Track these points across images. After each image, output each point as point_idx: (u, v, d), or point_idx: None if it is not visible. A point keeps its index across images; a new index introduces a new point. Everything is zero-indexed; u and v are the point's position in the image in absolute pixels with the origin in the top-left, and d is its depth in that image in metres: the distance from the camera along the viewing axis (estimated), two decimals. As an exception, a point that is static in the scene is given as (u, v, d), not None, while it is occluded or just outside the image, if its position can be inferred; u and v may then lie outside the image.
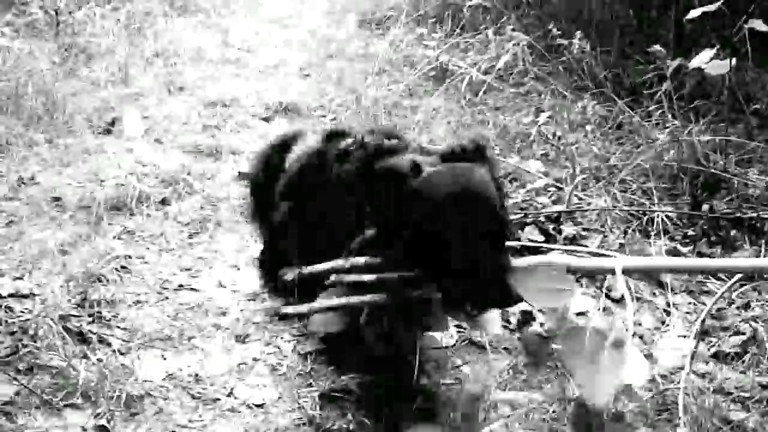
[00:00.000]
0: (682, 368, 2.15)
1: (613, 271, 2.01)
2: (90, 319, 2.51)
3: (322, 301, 2.12)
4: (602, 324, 1.77)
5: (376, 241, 2.06)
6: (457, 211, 1.92)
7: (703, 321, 2.10)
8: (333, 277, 2.09)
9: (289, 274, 2.17)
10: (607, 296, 2.79)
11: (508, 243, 2.06)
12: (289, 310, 2.11)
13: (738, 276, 2.34)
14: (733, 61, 3.45)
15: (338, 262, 2.11)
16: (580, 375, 1.71)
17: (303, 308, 2.15)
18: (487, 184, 1.97)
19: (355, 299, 2.08)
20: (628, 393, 1.77)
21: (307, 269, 2.17)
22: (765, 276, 2.74)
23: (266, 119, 4.48)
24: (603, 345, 1.71)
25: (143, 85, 4.78)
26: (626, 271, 2.06)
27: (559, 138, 4.06)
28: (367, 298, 2.07)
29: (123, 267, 2.84)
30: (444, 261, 1.93)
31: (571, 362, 1.74)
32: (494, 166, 2.11)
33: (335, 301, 2.10)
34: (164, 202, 3.36)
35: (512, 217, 3.12)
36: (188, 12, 6.58)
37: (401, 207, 1.99)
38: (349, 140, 2.37)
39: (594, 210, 3.33)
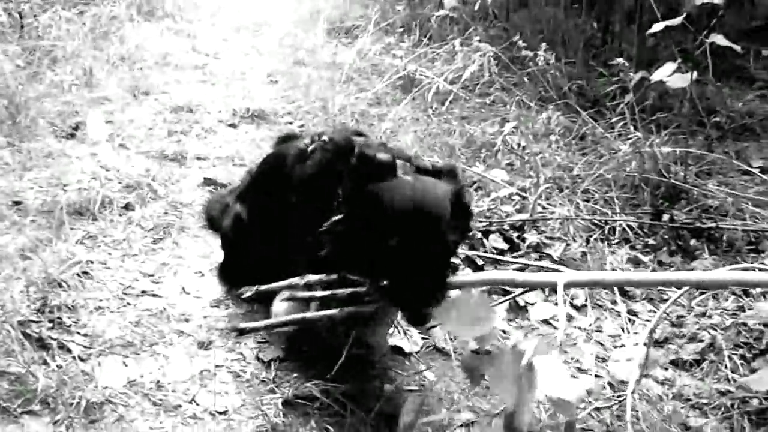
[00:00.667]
0: (639, 377, 2.18)
1: (555, 285, 2.07)
2: (50, 324, 2.46)
3: (279, 318, 2.18)
4: (525, 345, 1.83)
5: (345, 224, 2.08)
6: (405, 224, 1.96)
7: (652, 332, 2.15)
8: (287, 294, 2.14)
9: (246, 292, 2.18)
10: (571, 304, 2.84)
11: (449, 263, 2.10)
12: (247, 326, 2.12)
13: (684, 289, 2.41)
14: (694, 74, 3.52)
15: (294, 280, 2.15)
16: (502, 395, 1.78)
17: (260, 324, 2.17)
18: (442, 205, 2.00)
19: (310, 315, 2.13)
20: (563, 407, 1.81)
21: (264, 287, 2.18)
22: (709, 288, 2.80)
23: (233, 125, 4.46)
24: (520, 366, 1.77)
25: (108, 90, 4.73)
26: (569, 285, 2.13)
27: (524, 148, 4.10)
28: (320, 313, 2.12)
29: (85, 272, 2.80)
30: (383, 265, 2.00)
31: (494, 383, 1.80)
32: (464, 189, 2.15)
33: (291, 317, 2.15)
34: (128, 207, 3.33)
35: (474, 231, 3.15)
36: (155, 17, 6.53)
37: (365, 201, 2.03)
38: (307, 140, 2.40)
39: (557, 219, 3.37)
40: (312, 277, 2.14)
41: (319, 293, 2.12)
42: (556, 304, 2.80)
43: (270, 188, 2.57)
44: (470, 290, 2.15)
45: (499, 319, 2.62)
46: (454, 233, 2.06)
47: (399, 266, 1.97)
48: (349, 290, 2.09)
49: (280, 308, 2.39)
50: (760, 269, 2.36)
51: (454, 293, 2.07)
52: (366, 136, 2.44)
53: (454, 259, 2.18)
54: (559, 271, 2.30)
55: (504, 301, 2.64)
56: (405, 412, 2.07)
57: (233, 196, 2.92)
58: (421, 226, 1.97)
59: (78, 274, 2.77)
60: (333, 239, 2.11)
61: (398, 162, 2.12)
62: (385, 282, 2.03)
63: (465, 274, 2.51)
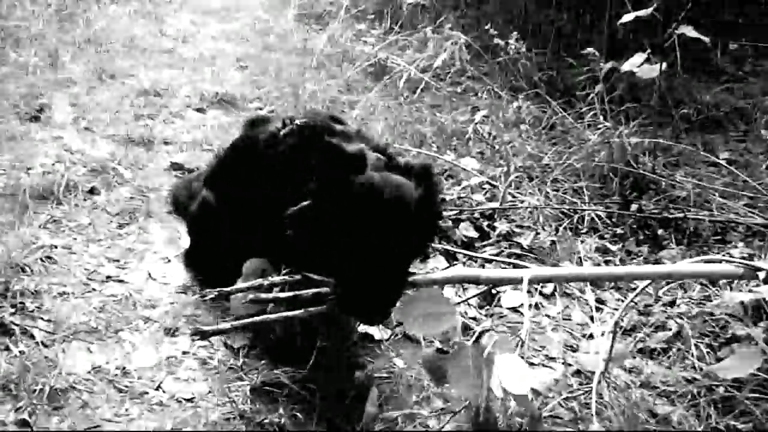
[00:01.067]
0: (604, 369, 2.20)
1: (520, 281, 2.09)
2: (12, 310, 2.41)
3: (242, 320, 2.14)
4: (485, 340, 1.84)
5: (313, 212, 2.06)
6: (362, 222, 1.95)
7: (616, 324, 2.16)
8: (251, 296, 2.11)
9: (210, 294, 2.17)
10: (540, 293, 2.85)
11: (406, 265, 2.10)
12: (209, 329, 2.10)
13: (645, 284, 2.46)
14: (663, 65, 3.54)
15: (257, 281, 2.16)
16: (463, 391, 1.79)
17: (224, 326, 2.14)
18: (403, 206, 1.98)
19: (273, 316, 2.11)
20: (522, 401, 1.83)
21: (226, 289, 2.17)
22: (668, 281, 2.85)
23: (201, 110, 4.40)
24: (480, 361, 1.79)
25: (73, 72, 4.64)
26: (533, 281, 2.18)
27: (495, 137, 4.10)
28: (284, 314, 2.10)
29: (48, 257, 2.75)
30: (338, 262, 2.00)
31: (456, 380, 1.83)
32: (434, 191, 2.13)
33: (254, 318, 2.12)
34: (93, 191, 3.27)
35: (444, 225, 3.15)
36: (122, -1, 6.43)
37: (327, 195, 2.01)
38: (279, 124, 2.37)
39: (527, 208, 3.38)
40: (275, 278, 2.15)
41: (282, 294, 2.11)
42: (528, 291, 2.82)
43: (240, 172, 2.54)
44: (430, 287, 2.14)
45: (471, 307, 2.62)
46: (415, 235, 2.04)
47: (352, 265, 1.97)
48: (312, 291, 2.09)
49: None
50: (713, 260, 2.39)
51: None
52: (343, 122, 2.42)
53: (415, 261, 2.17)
54: (525, 266, 2.34)
55: (470, 298, 2.65)
56: (368, 404, 2.07)
57: (201, 181, 2.88)
58: (377, 226, 1.95)
59: (42, 259, 2.72)
60: (297, 225, 2.08)
61: (371, 155, 2.11)
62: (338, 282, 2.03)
63: (429, 272, 2.51)
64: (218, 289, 2.16)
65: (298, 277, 2.12)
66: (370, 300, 1.97)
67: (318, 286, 2.10)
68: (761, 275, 2.16)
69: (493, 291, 2.71)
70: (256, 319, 2.13)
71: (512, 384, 1.75)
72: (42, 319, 2.43)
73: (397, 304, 1.98)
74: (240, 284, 2.21)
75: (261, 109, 4.48)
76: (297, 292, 2.10)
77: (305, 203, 2.06)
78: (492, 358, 1.80)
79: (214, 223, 2.64)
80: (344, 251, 1.98)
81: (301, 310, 2.09)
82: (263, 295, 2.14)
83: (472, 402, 1.88)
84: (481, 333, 2.36)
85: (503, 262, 2.78)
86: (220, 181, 2.68)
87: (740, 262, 2.23)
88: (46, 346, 2.30)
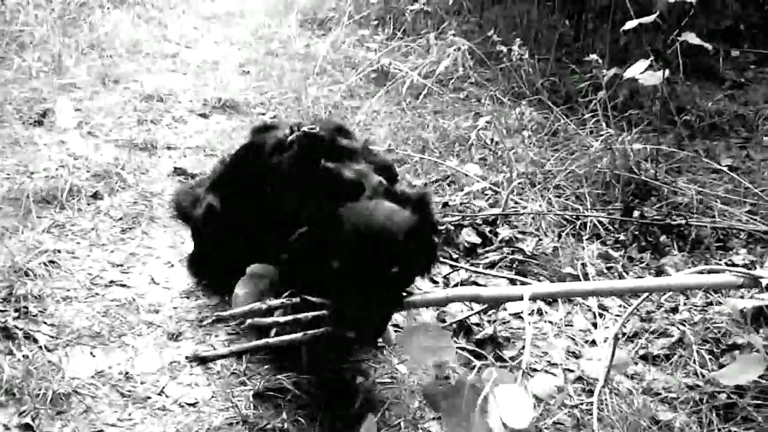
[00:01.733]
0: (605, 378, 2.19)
1: (521, 298, 2.10)
2: (16, 314, 2.42)
3: (242, 345, 2.18)
4: (486, 375, 1.84)
5: (309, 238, 2.08)
6: (351, 249, 1.99)
7: (616, 336, 2.16)
8: (249, 321, 2.12)
9: (207, 319, 2.19)
10: (543, 299, 2.84)
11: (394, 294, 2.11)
12: (208, 355, 2.12)
13: (645, 296, 2.46)
14: (666, 72, 3.54)
15: (256, 304, 2.15)
16: (452, 427, 1.80)
17: (223, 351, 2.17)
18: (393, 235, 2.01)
19: (273, 340, 2.11)
20: None
21: (227, 312, 2.19)
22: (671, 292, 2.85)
23: (204, 115, 4.41)
24: (475, 403, 1.78)
25: (77, 77, 4.66)
26: (534, 298, 2.19)
27: (497, 143, 4.11)
28: (284, 338, 2.11)
29: (52, 261, 2.76)
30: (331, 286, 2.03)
31: (448, 418, 1.81)
32: (429, 220, 2.16)
33: (255, 342, 2.14)
34: (96, 196, 3.28)
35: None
36: (125, 4, 6.44)
37: (321, 220, 2.05)
38: (287, 131, 2.38)
39: (529, 214, 3.38)
40: (274, 302, 2.16)
41: (282, 318, 2.12)
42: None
43: (246, 178, 2.55)
44: (430, 321, 2.28)
45: (472, 314, 2.62)
46: (407, 264, 2.07)
47: (343, 290, 1.99)
48: (311, 314, 2.09)
49: (240, 291, 2.39)
50: (716, 270, 2.38)
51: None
52: (350, 135, 2.41)
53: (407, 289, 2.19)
54: (526, 282, 2.34)
55: (476, 313, 2.64)
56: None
57: (205, 186, 2.89)
58: (366, 253, 1.98)
59: (45, 264, 2.72)
60: (296, 251, 2.11)
61: (374, 179, 2.16)
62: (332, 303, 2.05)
63: (428, 292, 2.53)
64: (216, 313, 2.21)
65: (297, 300, 2.14)
66: (360, 321, 1.99)
67: (317, 308, 2.12)
68: (763, 282, 2.16)
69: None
70: (257, 343, 2.15)
71: (512, 418, 1.75)
72: (45, 323, 2.43)
73: (393, 329, 1.99)
74: (237, 309, 2.22)
75: (264, 114, 4.49)
76: (296, 316, 2.11)
77: (302, 230, 2.09)
78: (491, 394, 1.80)
79: (219, 229, 2.64)
80: (337, 275, 2.00)
81: (301, 333, 2.09)
82: (263, 320, 2.15)
83: None
84: (481, 368, 2.39)
85: (504, 277, 2.79)
86: (226, 187, 2.69)
87: (741, 272, 2.23)
88: (49, 350, 2.31)
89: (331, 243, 2.02)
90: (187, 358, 2.36)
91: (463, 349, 2.50)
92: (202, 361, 2.12)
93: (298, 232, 2.09)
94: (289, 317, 2.10)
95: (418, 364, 2.38)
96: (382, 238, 2.00)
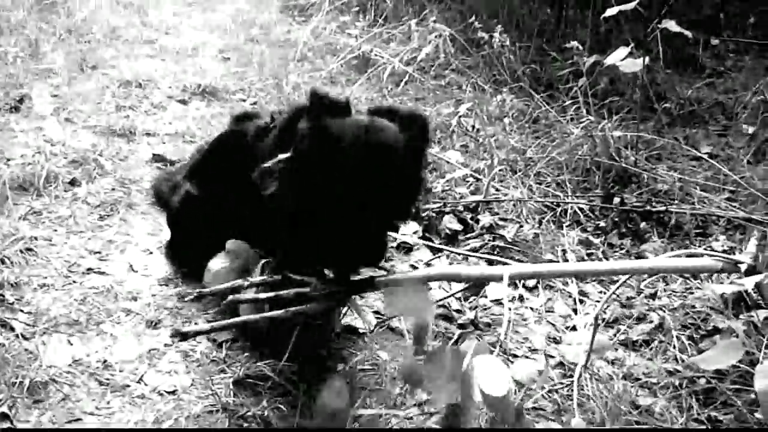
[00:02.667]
0: (585, 362, 2.20)
1: (501, 278, 2.10)
2: (-8, 302, 2.39)
3: (223, 321, 2.19)
4: (465, 345, 1.85)
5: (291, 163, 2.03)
6: (348, 162, 1.93)
7: (596, 318, 2.16)
8: (230, 297, 2.14)
9: (188, 296, 2.18)
10: (523, 285, 2.85)
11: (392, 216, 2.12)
12: (189, 330, 2.11)
13: (626, 277, 2.49)
14: (646, 60, 3.55)
15: (237, 281, 2.17)
16: (438, 394, 1.80)
17: (204, 327, 2.17)
18: (393, 149, 1.96)
19: (254, 317, 2.13)
20: (492, 403, 1.83)
21: (207, 290, 2.20)
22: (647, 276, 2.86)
23: (183, 101, 4.37)
24: (460, 367, 1.79)
25: (54, 63, 4.58)
26: (514, 278, 2.22)
27: (478, 130, 4.10)
28: (265, 315, 2.13)
29: (28, 249, 2.72)
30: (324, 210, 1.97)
31: (432, 382, 1.83)
32: (426, 143, 2.13)
33: (235, 319, 2.16)
34: (74, 182, 3.24)
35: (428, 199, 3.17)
36: (104, -11, 6.35)
37: (313, 135, 1.99)
38: (267, 119, 2.37)
39: (510, 200, 3.39)
40: (255, 279, 2.17)
41: (263, 295, 2.12)
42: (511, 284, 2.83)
43: (225, 166, 2.52)
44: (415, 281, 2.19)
45: (454, 293, 2.62)
46: (403, 184, 2.03)
47: (334, 218, 1.95)
48: (294, 290, 2.09)
49: (213, 266, 2.41)
50: (696, 254, 2.40)
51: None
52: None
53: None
54: (506, 262, 2.35)
55: (457, 293, 2.65)
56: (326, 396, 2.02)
57: (183, 174, 2.87)
58: (370, 165, 1.92)
59: (21, 251, 2.69)
60: (276, 180, 2.06)
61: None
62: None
63: (409, 271, 2.52)
64: (198, 289, 2.19)
65: (278, 277, 2.12)
66: (354, 254, 1.98)
67: (299, 285, 2.10)
68: (742, 267, 2.17)
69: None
70: (237, 319, 2.16)
71: (490, 386, 1.76)
72: (22, 311, 2.41)
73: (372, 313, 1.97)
74: (216, 286, 2.22)
75: (244, 101, 4.46)
76: (278, 292, 2.10)
77: (285, 155, 2.04)
78: (471, 362, 1.81)
79: (197, 216, 2.62)
80: (326, 203, 1.95)
81: (283, 311, 2.08)
82: (243, 296, 2.14)
83: (445, 404, 1.88)
84: (461, 336, 2.40)
85: (485, 258, 2.79)
86: (204, 174, 2.67)
87: (721, 257, 2.24)
88: (26, 338, 2.28)
89: (322, 163, 1.94)
90: (170, 334, 2.33)
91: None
92: (183, 336, 2.10)
93: (278, 158, 2.03)
94: (271, 293, 2.09)
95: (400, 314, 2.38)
96: (388, 150, 1.95)
